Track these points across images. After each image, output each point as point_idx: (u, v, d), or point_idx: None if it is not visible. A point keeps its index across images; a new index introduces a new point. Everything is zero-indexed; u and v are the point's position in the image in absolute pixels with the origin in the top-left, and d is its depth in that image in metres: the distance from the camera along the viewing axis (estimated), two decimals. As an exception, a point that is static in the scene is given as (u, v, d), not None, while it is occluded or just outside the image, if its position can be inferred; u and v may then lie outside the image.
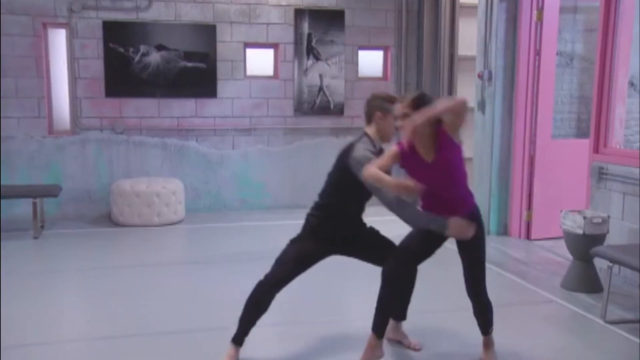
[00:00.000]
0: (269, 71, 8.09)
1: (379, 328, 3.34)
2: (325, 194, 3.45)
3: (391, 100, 3.35)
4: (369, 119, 3.41)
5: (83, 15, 7.35)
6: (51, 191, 6.79)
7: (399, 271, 3.27)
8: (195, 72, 7.68)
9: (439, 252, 3.46)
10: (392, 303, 3.40)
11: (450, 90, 7.95)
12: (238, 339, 3.37)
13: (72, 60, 7.39)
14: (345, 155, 3.31)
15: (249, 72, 7.97)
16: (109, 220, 7.35)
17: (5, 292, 4.66)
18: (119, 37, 7.43)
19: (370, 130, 3.40)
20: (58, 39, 7.43)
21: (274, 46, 8.00)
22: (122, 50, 7.46)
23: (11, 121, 7.24)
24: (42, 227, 6.81)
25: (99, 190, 7.54)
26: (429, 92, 7.91)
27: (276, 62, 8.06)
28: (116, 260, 5.86)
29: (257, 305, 3.34)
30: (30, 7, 7.17)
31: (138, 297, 4.74)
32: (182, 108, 7.74)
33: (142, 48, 7.52)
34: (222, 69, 7.78)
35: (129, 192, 7.07)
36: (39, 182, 7.29)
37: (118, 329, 4.05)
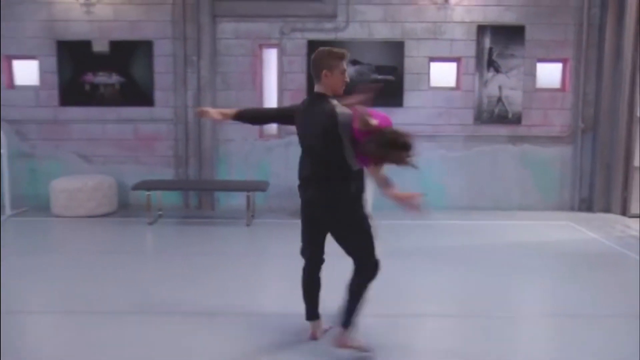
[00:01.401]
0: (452, 83, 8.75)
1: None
2: (327, 164, 3.47)
3: (338, 56, 3.47)
4: (318, 78, 3.48)
5: (291, 36, 8.53)
6: (261, 186, 7.94)
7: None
8: (384, 84, 8.54)
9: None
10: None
11: (632, 102, 8.13)
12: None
13: (281, 74, 8.59)
14: (331, 123, 3.36)
15: (432, 84, 8.69)
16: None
17: (221, 266, 5.69)
18: (320, 54, 8.50)
19: (322, 88, 3.49)
20: (270, 57, 8.66)
21: (457, 60, 8.66)
22: (322, 65, 8.51)
23: (231, 126, 8.56)
24: (253, 216, 7.96)
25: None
26: (609, 104, 8.20)
27: (458, 75, 8.71)
28: (284, 246, 6.58)
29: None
30: (251, 32, 8.50)
31: (326, 284, 5.45)
32: (372, 116, 8.61)
33: (340, 63, 8.51)
34: (408, 81, 8.57)
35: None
36: (251, 179, 8.51)
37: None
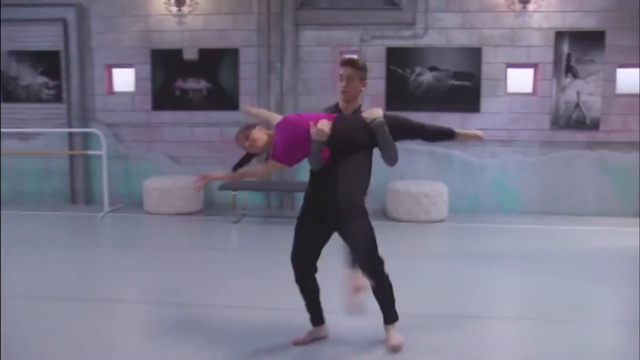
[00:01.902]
0: (528, 88, 8.84)
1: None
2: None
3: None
4: None
5: (371, 43, 8.84)
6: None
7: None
8: (461, 89, 8.74)
9: None
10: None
11: None
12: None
13: (360, 80, 8.89)
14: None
15: (509, 90, 8.81)
16: (383, 214, 8.65)
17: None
18: (398, 60, 8.80)
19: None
20: (350, 64, 8.99)
21: (534, 66, 8.76)
22: (400, 71, 8.81)
23: (311, 130, 8.92)
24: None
25: (377, 189, 8.88)
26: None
27: (535, 80, 8.80)
28: (388, 249, 6.92)
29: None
30: (331, 40, 8.87)
31: (401, 283, 5.66)
32: (449, 121, 8.75)
33: (417, 69, 8.79)
34: (485, 87, 8.73)
35: (402, 191, 8.30)
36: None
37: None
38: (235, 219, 8.24)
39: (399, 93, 8.82)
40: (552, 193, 8.73)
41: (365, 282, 3.41)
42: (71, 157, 9.40)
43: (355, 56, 3.85)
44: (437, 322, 4.48)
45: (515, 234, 7.63)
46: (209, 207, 9.07)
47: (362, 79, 3.67)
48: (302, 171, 8.78)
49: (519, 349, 4.06)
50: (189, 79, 9.13)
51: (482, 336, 4.23)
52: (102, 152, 8.71)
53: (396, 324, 3.83)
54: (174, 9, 8.97)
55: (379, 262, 3.64)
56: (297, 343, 3.89)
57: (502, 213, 8.73)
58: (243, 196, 8.63)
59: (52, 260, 6.37)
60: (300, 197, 9.03)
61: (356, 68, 3.63)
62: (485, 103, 8.74)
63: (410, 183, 8.42)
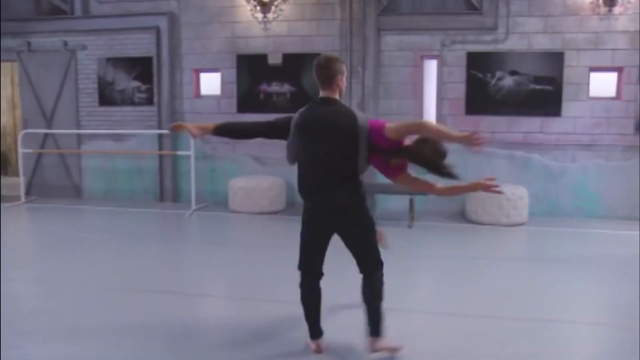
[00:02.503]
0: (612, 92, 8.77)
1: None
2: (344, 171, 3.51)
3: (344, 62, 3.67)
4: (330, 84, 3.55)
5: (452, 48, 8.98)
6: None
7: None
8: (542, 93, 8.76)
9: None
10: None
11: None
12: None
13: (440, 84, 9.06)
14: (353, 125, 3.46)
15: (591, 94, 8.76)
16: (462, 217, 8.78)
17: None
18: (479, 64, 8.90)
19: (333, 93, 3.58)
20: (430, 68, 9.16)
21: (618, 69, 8.69)
22: (481, 75, 8.91)
23: (391, 133, 9.14)
24: (413, 219, 8.47)
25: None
26: None
27: (619, 85, 8.73)
28: (468, 252, 7.03)
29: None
30: (413, 45, 9.05)
31: (482, 285, 5.61)
32: (529, 125, 8.88)
33: (498, 73, 8.86)
34: (567, 91, 8.72)
35: (483, 195, 8.37)
36: (409, 182, 9.03)
37: (461, 308, 4.88)
38: (409, 224, 8.40)
39: (479, 97, 8.91)
40: (636, 198, 8.63)
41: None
42: (160, 157, 9.92)
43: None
44: (520, 326, 4.54)
45: (597, 239, 7.63)
46: (291, 207, 9.38)
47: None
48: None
49: (598, 356, 4.13)
50: (273, 82, 9.49)
51: (565, 341, 4.30)
52: (190, 153, 9.16)
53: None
54: (260, 15, 9.34)
55: (381, 264, 3.70)
56: (319, 351, 3.84)
57: (583, 217, 8.71)
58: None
59: (144, 254, 6.82)
60: (379, 198, 9.28)
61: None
62: (567, 107, 8.73)
63: (491, 186, 8.46)
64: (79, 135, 10.16)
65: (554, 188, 8.91)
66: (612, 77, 8.76)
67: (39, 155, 10.34)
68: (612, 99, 8.74)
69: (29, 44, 10.22)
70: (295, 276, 3.86)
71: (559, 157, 8.84)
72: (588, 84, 8.74)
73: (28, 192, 10.21)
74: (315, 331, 3.80)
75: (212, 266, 6.39)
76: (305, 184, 3.60)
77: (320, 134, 3.49)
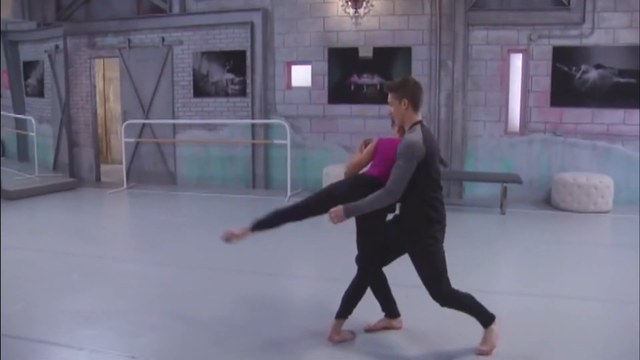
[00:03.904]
0: (694, 85, 9.18)
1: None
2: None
3: None
4: (420, 106, 3.57)
5: (538, 42, 9.40)
6: (516, 179, 8.89)
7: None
8: (625, 86, 9.18)
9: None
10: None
11: None
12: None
13: (526, 77, 9.51)
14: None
15: (672, 87, 9.17)
16: (548, 204, 9.27)
17: (473, 253, 6.70)
18: (564, 58, 9.32)
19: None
20: (516, 62, 9.60)
21: (699, 63, 9.08)
22: (566, 69, 9.34)
23: (479, 124, 9.64)
24: (505, 206, 8.92)
25: (539, 180, 9.55)
26: None
27: (701, 77, 9.12)
28: (558, 237, 7.48)
29: None
30: (500, 39, 9.49)
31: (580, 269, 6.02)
32: (612, 116, 9.32)
33: (583, 67, 9.29)
34: (650, 84, 9.14)
35: (572, 183, 8.88)
36: (495, 171, 9.54)
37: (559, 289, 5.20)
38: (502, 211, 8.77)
39: (563, 90, 9.35)
40: None
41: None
42: (253, 145, 10.46)
43: (394, 80, 3.76)
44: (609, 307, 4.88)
45: None
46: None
47: (400, 98, 3.53)
48: (469, 161, 9.52)
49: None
50: (363, 74, 9.96)
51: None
52: (287, 142, 9.70)
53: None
54: (351, 10, 9.78)
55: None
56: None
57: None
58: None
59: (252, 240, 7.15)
60: (467, 186, 9.78)
61: (391, 91, 3.59)
62: (650, 99, 9.14)
63: (578, 175, 8.96)
64: (174, 125, 10.70)
65: (635, 177, 9.37)
66: (693, 70, 9.14)
67: (137, 144, 10.90)
68: (694, 91, 9.13)
69: (129, 40, 10.74)
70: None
71: (641, 148, 9.28)
72: (670, 77, 9.12)
73: (127, 179, 10.79)
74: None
75: (312, 249, 6.78)
76: (443, 215, 3.65)
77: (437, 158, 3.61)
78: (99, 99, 12.29)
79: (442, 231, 3.61)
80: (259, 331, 4.27)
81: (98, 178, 11.33)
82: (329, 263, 6.09)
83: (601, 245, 7.23)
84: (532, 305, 4.87)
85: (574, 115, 9.38)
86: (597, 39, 9.18)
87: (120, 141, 10.67)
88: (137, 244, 6.87)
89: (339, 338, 3.92)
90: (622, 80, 9.16)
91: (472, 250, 6.62)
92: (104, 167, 11.88)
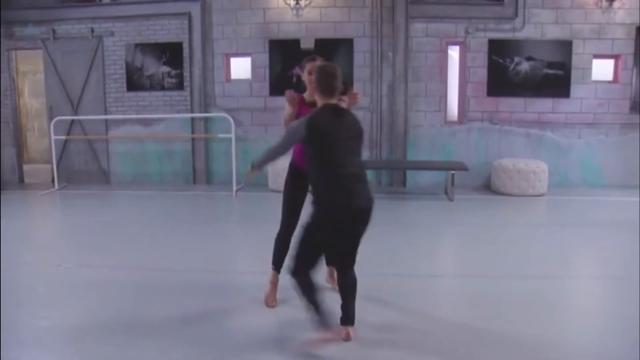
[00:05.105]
0: (610, 77, 9.97)
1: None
2: (358, 163, 3.71)
3: None
4: (336, 92, 3.69)
5: (474, 35, 9.81)
6: (462, 166, 9.19)
7: None
8: (553, 77, 9.81)
9: None
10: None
11: None
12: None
13: (464, 68, 9.89)
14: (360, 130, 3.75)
15: (594, 78, 9.91)
16: (488, 189, 9.70)
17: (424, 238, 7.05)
18: (499, 50, 9.80)
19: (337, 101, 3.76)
20: (455, 54, 9.96)
21: (616, 57, 9.88)
22: (500, 60, 9.82)
23: (420, 114, 9.90)
24: (453, 192, 9.18)
25: (477, 167, 9.96)
26: None
27: (616, 70, 9.93)
28: (504, 220, 7.87)
29: None
30: (439, 31, 9.80)
31: (500, 247, 6.30)
32: (542, 105, 9.91)
33: (516, 59, 9.81)
34: (574, 75, 9.81)
35: (512, 169, 9.34)
36: (437, 159, 9.84)
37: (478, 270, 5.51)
38: (450, 197, 8.97)
39: (499, 80, 9.82)
40: (632, 169, 9.90)
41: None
42: (192, 140, 10.10)
43: (320, 64, 4.01)
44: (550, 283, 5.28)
45: (600, 206, 8.59)
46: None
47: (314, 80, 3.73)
48: (411, 151, 9.76)
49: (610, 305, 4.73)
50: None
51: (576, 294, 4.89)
52: (231, 135, 9.46)
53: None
54: (292, 2, 9.72)
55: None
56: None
57: (588, 188, 9.87)
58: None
59: (224, 235, 7.13)
60: (410, 174, 10.01)
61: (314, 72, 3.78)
62: (574, 89, 9.82)
63: (516, 161, 9.43)
64: (106, 121, 10.12)
65: (563, 162, 10.01)
66: (610, 63, 9.93)
67: (65, 141, 10.20)
68: (611, 82, 9.92)
69: (54, 31, 10.02)
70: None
71: (568, 135, 9.94)
72: (591, 69, 9.85)
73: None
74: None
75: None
76: (342, 184, 3.56)
77: (342, 137, 3.60)
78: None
79: (335, 210, 3.52)
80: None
81: (21, 179, 10.48)
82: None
83: (543, 226, 7.66)
84: (485, 286, 5.03)
85: (508, 105, 9.86)
86: (528, 33, 9.71)
87: (50, 139, 9.92)
88: (90, 249, 6.28)
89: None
90: (550, 71, 9.75)
91: (424, 235, 6.86)
92: (25, 167, 10.99)
